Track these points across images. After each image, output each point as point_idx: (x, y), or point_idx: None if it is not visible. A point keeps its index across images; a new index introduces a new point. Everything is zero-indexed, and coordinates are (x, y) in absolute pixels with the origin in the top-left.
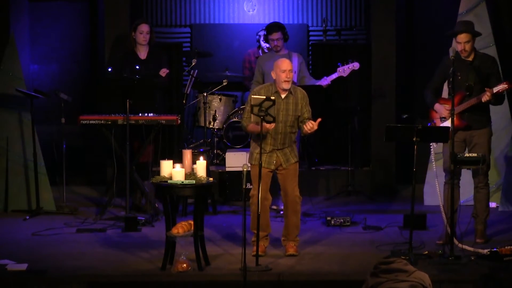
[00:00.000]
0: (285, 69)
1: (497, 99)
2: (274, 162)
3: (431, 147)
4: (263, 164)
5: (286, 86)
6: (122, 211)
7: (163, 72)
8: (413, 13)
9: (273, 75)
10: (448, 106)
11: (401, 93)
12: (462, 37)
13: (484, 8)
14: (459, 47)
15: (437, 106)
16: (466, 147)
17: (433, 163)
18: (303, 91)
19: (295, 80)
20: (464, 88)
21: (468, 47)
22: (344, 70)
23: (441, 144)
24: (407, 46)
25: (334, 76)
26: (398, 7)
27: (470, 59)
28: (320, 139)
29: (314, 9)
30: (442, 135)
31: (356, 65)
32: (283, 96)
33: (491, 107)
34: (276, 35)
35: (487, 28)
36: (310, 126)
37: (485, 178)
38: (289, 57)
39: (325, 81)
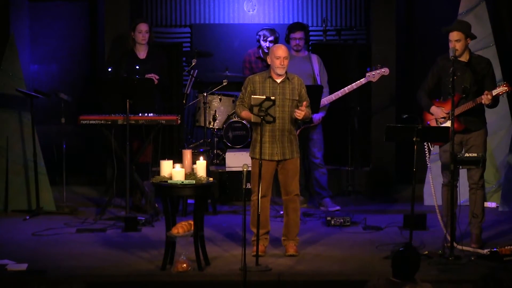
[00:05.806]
0: (279, 56)
1: (494, 102)
2: (277, 152)
3: (426, 148)
4: (266, 157)
5: (280, 71)
6: (122, 211)
7: (154, 76)
8: (413, 14)
9: (268, 60)
10: (445, 109)
11: (401, 93)
12: (453, 35)
13: (484, 8)
14: (450, 45)
15: (433, 109)
16: (463, 149)
17: (428, 163)
18: (300, 78)
19: (319, 83)
20: (461, 90)
21: (458, 46)
22: (373, 75)
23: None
24: (407, 46)
25: (363, 81)
26: (398, 7)
27: (465, 60)
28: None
29: (314, 9)
30: (442, 135)
31: (386, 71)
32: (278, 81)
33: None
34: (299, 34)
35: (487, 28)
36: (299, 112)
37: (481, 179)
38: (309, 59)
39: (350, 89)
